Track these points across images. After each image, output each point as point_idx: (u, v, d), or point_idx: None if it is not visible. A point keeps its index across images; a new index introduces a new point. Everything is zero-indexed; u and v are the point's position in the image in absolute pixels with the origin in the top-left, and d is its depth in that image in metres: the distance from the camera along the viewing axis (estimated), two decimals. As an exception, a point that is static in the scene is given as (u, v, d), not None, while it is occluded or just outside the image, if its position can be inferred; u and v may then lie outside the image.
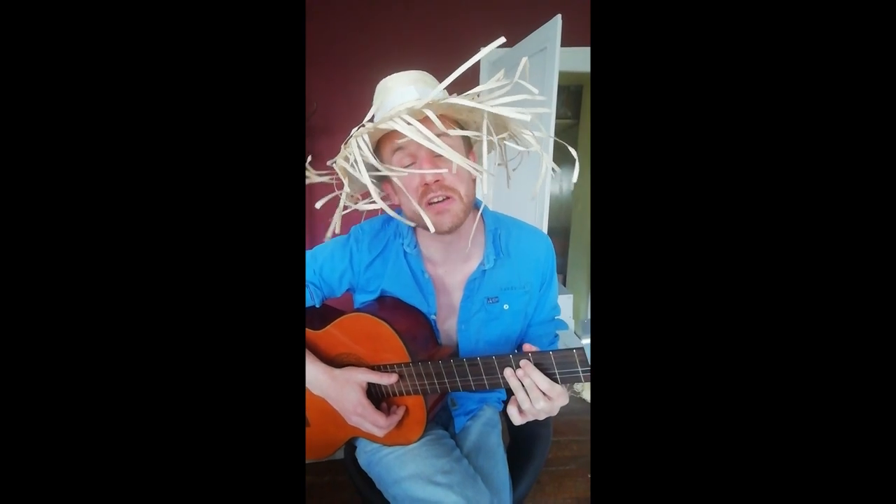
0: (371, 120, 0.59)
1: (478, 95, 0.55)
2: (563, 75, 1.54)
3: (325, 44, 1.89)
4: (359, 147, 0.55)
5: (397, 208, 0.70)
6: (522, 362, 0.56)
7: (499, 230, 0.74)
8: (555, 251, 0.79)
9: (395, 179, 0.63)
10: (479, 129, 0.57)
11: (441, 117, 0.58)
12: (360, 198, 0.69)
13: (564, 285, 2.98)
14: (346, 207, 0.65)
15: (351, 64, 1.92)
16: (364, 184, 0.55)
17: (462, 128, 0.64)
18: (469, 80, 0.65)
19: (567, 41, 1.47)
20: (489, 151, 0.63)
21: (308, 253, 0.78)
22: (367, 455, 0.77)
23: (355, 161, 0.55)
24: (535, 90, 0.55)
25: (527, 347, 0.58)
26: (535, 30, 1.57)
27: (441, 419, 0.83)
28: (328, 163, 0.64)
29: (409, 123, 0.51)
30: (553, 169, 0.61)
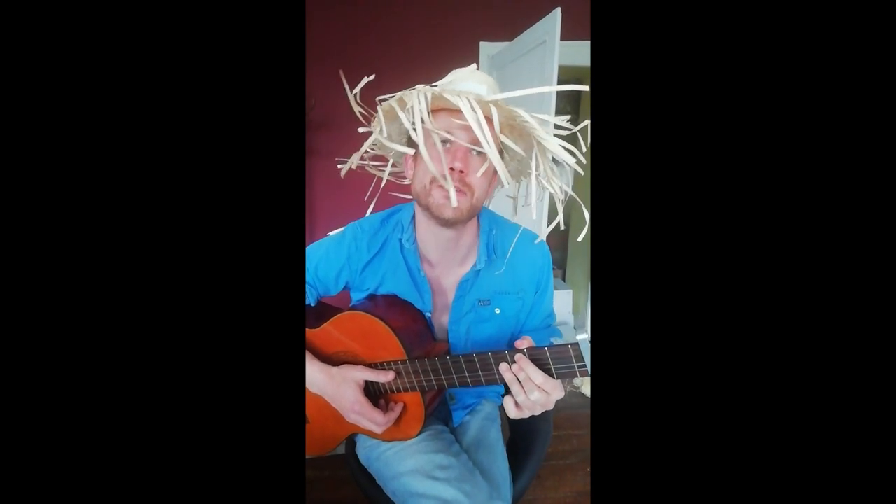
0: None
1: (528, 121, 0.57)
2: (562, 70, 1.53)
3: (324, 40, 1.88)
4: (419, 101, 0.55)
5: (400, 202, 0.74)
6: (518, 357, 0.56)
7: (493, 231, 0.75)
8: (554, 245, 0.80)
9: (423, 151, 0.58)
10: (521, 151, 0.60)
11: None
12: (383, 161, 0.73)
13: (564, 280, 2.98)
14: (367, 154, 0.68)
15: (351, 60, 1.91)
16: (392, 142, 0.59)
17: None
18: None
19: (567, 35, 1.46)
20: (516, 179, 0.71)
21: None
22: (366, 451, 0.77)
23: (410, 108, 0.56)
24: (584, 148, 0.57)
25: (519, 343, 0.57)
26: (534, 23, 1.56)
27: (440, 414, 0.84)
28: (377, 98, 0.63)
29: (473, 109, 0.52)
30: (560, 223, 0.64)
